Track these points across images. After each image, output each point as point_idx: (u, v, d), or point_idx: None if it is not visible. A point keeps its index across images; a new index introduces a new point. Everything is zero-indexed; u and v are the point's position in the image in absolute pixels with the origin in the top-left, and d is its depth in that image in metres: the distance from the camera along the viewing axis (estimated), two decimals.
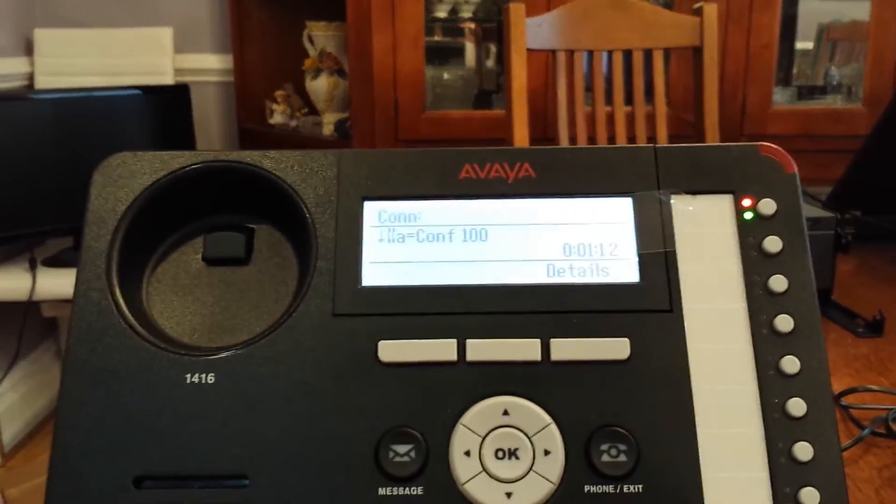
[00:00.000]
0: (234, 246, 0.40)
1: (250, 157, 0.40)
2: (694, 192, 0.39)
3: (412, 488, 0.35)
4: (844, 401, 0.69)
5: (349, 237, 0.38)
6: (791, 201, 0.38)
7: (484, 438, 0.35)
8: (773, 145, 0.39)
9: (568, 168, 0.39)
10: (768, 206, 0.38)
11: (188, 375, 0.36)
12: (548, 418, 0.35)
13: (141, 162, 0.40)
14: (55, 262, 2.20)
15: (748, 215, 0.38)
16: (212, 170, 0.40)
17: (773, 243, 0.37)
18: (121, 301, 0.37)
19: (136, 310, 0.38)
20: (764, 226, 0.38)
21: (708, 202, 0.38)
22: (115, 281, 0.38)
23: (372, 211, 0.39)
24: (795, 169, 0.39)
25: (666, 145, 0.39)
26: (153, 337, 0.37)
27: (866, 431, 0.63)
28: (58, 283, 2.12)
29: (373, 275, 0.38)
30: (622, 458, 0.34)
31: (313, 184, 0.39)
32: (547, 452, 0.35)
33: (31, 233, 2.17)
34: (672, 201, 0.38)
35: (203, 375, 0.36)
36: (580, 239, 0.38)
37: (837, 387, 0.71)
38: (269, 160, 0.40)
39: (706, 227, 0.38)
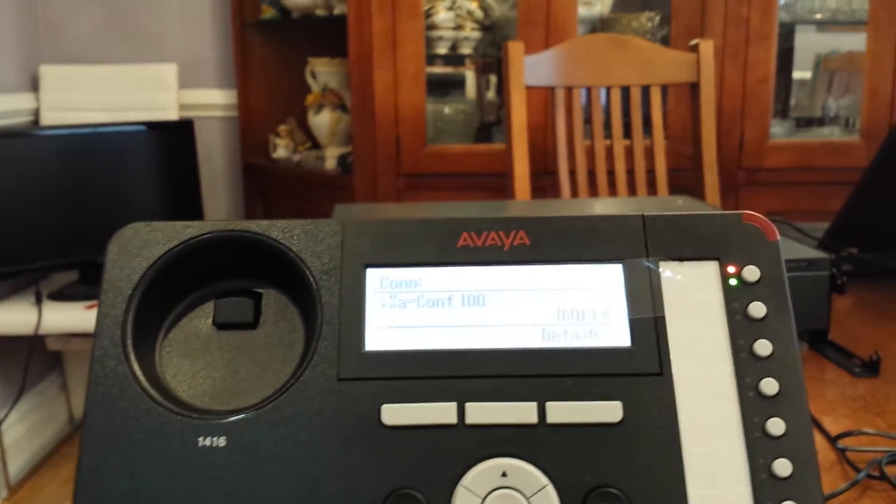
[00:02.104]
0: (242, 311, 0.41)
1: (258, 226, 0.42)
2: (681, 259, 0.40)
3: None
4: (841, 443, 0.70)
5: (352, 303, 0.40)
6: (774, 268, 0.40)
7: (484, 500, 0.37)
8: (756, 214, 0.41)
9: (561, 236, 0.41)
10: (752, 272, 0.40)
11: (200, 438, 0.38)
12: (545, 480, 0.37)
13: (154, 232, 0.41)
14: (60, 296, 2.22)
15: (733, 281, 0.40)
16: (222, 239, 0.42)
17: (757, 309, 0.39)
18: (136, 366, 0.39)
19: (150, 374, 0.39)
20: (748, 292, 0.39)
21: (694, 269, 0.40)
22: (129, 347, 0.39)
23: (374, 277, 0.41)
24: (777, 237, 0.40)
25: (654, 214, 0.41)
26: (166, 401, 0.38)
27: (862, 475, 0.64)
28: (63, 317, 2.14)
29: (375, 340, 0.39)
30: None
31: (318, 252, 0.41)
32: None
33: (37, 267, 2.19)
34: (660, 268, 0.40)
35: (214, 439, 0.38)
36: (573, 304, 0.40)
37: (835, 428, 0.72)
38: (276, 229, 0.42)
39: (693, 292, 0.40)
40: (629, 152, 1.61)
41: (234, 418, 0.38)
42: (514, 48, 1.53)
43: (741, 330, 0.39)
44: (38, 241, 2.16)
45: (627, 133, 1.62)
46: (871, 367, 0.86)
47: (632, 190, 1.63)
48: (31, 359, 2.25)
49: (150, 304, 0.41)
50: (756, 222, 0.41)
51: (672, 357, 0.38)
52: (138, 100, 2.43)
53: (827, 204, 1.73)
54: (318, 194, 2.32)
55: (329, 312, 0.40)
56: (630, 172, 1.62)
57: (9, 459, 2.23)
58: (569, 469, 0.37)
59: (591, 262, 0.41)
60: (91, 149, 2.24)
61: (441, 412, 0.38)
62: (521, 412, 0.38)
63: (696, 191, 1.63)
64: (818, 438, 0.71)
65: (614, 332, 0.39)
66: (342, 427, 0.38)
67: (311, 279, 0.40)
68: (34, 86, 2.47)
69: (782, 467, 0.37)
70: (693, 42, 1.62)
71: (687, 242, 0.40)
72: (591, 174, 1.61)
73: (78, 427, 2.61)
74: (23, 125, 2.40)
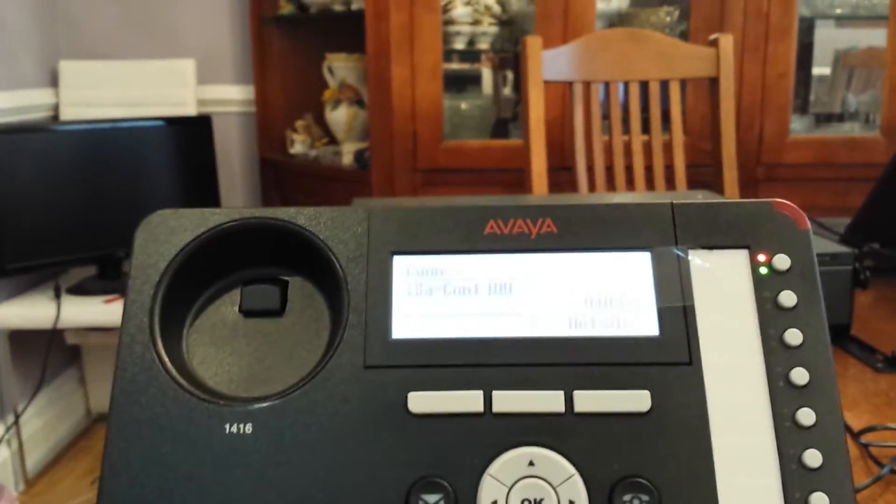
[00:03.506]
0: (269, 298, 0.41)
1: (285, 213, 0.42)
2: (710, 248, 0.40)
3: None
4: (864, 439, 0.69)
5: (379, 291, 0.40)
6: (805, 256, 0.39)
7: (510, 489, 0.36)
8: (786, 202, 0.40)
9: (588, 223, 0.41)
10: (783, 261, 0.39)
11: (227, 425, 0.38)
12: (572, 469, 0.36)
13: (181, 219, 0.41)
14: (79, 290, 2.23)
15: (763, 270, 0.39)
16: (249, 226, 0.41)
17: (788, 298, 0.39)
18: (163, 353, 0.39)
19: (177, 361, 0.39)
20: (779, 280, 0.39)
21: (724, 257, 0.40)
22: (157, 334, 0.39)
23: (401, 265, 0.41)
24: (808, 225, 0.40)
25: (683, 202, 0.41)
26: (193, 388, 0.38)
27: (885, 470, 0.64)
28: (82, 312, 2.15)
29: (402, 328, 0.39)
30: None
31: (345, 239, 0.41)
32: (571, 503, 0.36)
33: (56, 262, 2.21)
34: (689, 256, 0.40)
35: (241, 425, 0.38)
36: (601, 292, 0.40)
37: (857, 423, 0.71)
38: (303, 217, 0.41)
39: (723, 281, 0.39)
40: (647, 148, 1.60)
41: (260, 405, 0.38)
42: (533, 42, 1.52)
43: (771, 319, 0.38)
44: (57, 236, 2.17)
45: (646, 128, 1.61)
46: (894, 363, 0.86)
47: (650, 186, 1.63)
48: (50, 353, 2.26)
49: (177, 291, 0.41)
50: (787, 210, 0.40)
51: (701, 346, 0.38)
52: (157, 95, 2.44)
53: (847, 200, 1.72)
54: (335, 190, 2.32)
55: (355, 300, 0.40)
56: (648, 168, 1.61)
57: (26, 453, 2.25)
58: (596, 459, 0.37)
59: (619, 250, 0.40)
60: (110, 144, 2.26)
61: (468, 400, 0.38)
62: (548, 401, 0.37)
63: (715, 186, 1.62)
64: None
65: (642, 321, 0.39)
66: (368, 415, 0.38)
67: (338, 266, 0.40)
68: (54, 81, 2.48)
69: (813, 458, 0.36)
70: (713, 36, 1.61)
71: (716, 230, 0.40)
72: (609, 170, 1.61)
73: (96, 421, 2.62)
74: (42, 120, 2.42)
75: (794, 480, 0.36)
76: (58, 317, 2.11)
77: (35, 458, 2.31)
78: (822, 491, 0.36)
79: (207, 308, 0.42)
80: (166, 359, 0.39)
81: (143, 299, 0.40)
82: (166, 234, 0.41)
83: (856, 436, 0.69)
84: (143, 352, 0.39)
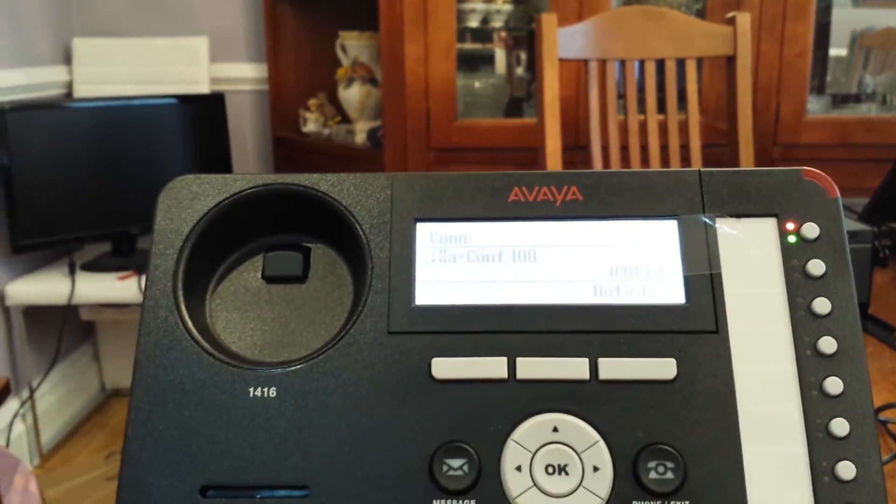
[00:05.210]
0: (292, 265, 0.41)
1: (308, 179, 0.41)
2: (738, 216, 0.40)
3: (465, 501, 0.36)
4: (882, 416, 0.69)
5: (403, 257, 0.40)
6: (834, 225, 0.39)
7: (534, 454, 0.36)
8: (815, 170, 0.40)
9: (614, 191, 0.40)
10: (811, 229, 0.39)
11: (251, 389, 0.38)
12: (596, 436, 0.36)
13: (204, 184, 0.41)
14: (93, 266, 2.24)
15: (791, 239, 0.39)
16: (272, 192, 0.41)
17: (816, 266, 0.38)
18: (186, 317, 0.39)
19: (201, 326, 0.39)
20: (807, 249, 0.39)
21: (752, 225, 0.39)
22: (180, 298, 0.39)
23: (424, 232, 0.40)
24: (838, 193, 0.39)
25: (710, 169, 0.40)
26: (217, 352, 0.38)
27: None
28: (96, 288, 2.16)
29: (426, 294, 0.39)
30: (669, 475, 0.35)
31: (368, 206, 0.41)
32: (596, 469, 0.36)
33: (70, 238, 2.22)
34: (717, 224, 0.39)
35: (265, 389, 0.38)
36: (627, 260, 0.40)
37: (875, 402, 0.71)
38: (326, 183, 0.41)
39: (750, 249, 0.39)
40: (663, 127, 1.59)
41: (284, 369, 0.38)
42: (548, 20, 1.51)
43: (799, 288, 0.38)
44: (71, 213, 2.18)
45: (661, 107, 1.60)
46: None
47: (665, 165, 1.62)
48: (65, 328, 2.28)
49: (200, 256, 0.41)
50: (816, 178, 0.40)
51: (728, 315, 0.38)
52: (170, 73, 2.44)
53: (863, 181, 1.70)
54: (348, 168, 2.32)
55: (379, 266, 0.39)
56: (664, 148, 1.60)
57: (41, 428, 2.27)
58: (621, 425, 0.36)
59: (645, 218, 0.40)
60: (123, 121, 2.26)
61: (492, 366, 0.37)
62: (573, 368, 0.37)
63: (731, 166, 1.61)
64: None
65: (669, 289, 0.39)
66: (392, 380, 0.37)
67: (361, 233, 0.40)
68: (67, 59, 2.48)
69: (839, 427, 0.36)
70: (730, 14, 1.59)
71: (744, 198, 0.40)
72: (624, 149, 1.60)
73: (110, 396, 2.65)
74: (56, 97, 2.42)
75: (821, 449, 0.36)
76: (72, 293, 2.13)
77: (50, 433, 2.33)
78: (849, 460, 0.36)
79: (230, 274, 0.42)
80: (190, 323, 0.39)
81: (166, 264, 0.40)
82: (189, 198, 0.41)
83: (874, 413, 0.69)
84: (167, 316, 0.39)
